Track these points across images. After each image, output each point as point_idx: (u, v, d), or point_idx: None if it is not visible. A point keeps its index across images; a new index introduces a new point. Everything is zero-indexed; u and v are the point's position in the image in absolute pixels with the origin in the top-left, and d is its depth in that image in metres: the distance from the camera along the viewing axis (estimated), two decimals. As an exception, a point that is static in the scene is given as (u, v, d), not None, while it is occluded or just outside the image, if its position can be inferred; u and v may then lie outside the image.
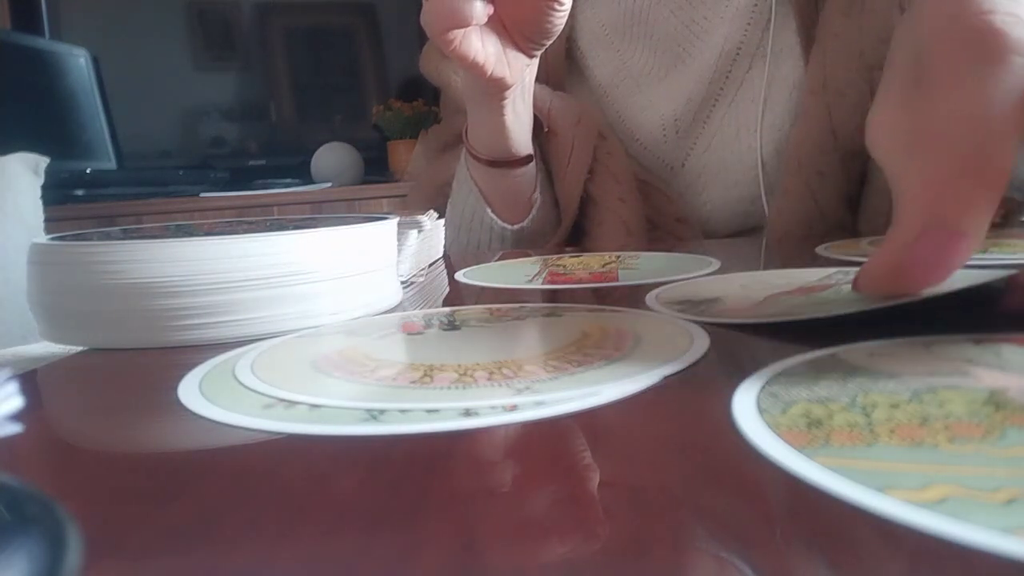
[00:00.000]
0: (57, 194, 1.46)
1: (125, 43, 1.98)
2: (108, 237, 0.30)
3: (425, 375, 0.21)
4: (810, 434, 0.15)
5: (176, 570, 0.12)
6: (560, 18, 0.47)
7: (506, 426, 0.17)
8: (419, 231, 0.43)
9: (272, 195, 1.76)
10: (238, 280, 0.28)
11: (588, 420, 0.18)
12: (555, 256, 0.49)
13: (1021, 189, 0.46)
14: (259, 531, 0.13)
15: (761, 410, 0.17)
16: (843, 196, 0.57)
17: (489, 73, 0.47)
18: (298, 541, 0.12)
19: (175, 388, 0.22)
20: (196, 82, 2.07)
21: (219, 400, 0.20)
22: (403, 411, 0.18)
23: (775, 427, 0.16)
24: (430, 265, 0.49)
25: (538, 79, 0.55)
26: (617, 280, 0.38)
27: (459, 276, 0.43)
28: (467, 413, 0.18)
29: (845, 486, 0.13)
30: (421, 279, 0.43)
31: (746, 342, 0.24)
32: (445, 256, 0.54)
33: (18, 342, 0.31)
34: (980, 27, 0.20)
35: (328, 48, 2.19)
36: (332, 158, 1.90)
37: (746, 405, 0.17)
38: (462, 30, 0.44)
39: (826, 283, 0.31)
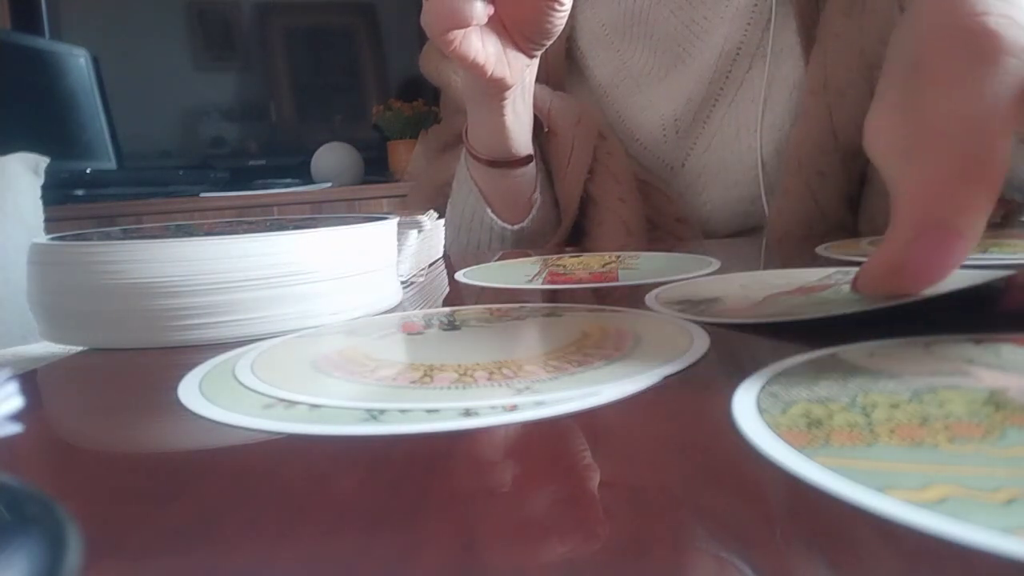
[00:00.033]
0: (57, 194, 1.46)
1: (125, 43, 1.98)
2: (108, 237, 0.30)
3: (425, 375, 0.21)
4: (810, 434, 0.15)
5: (176, 570, 0.12)
6: (560, 18, 0.47)
7: (506, 426, 0.17)
8: (419, 231, 0.43)
9: (272, 195, 1.76)
10: (238, 280, 0.28)
11: (588, 420, 0.18)
12: (555, 256, 0.49)
13: (1021, 189, 0.46)
14: (259, 531, 0.13)
15: (761, 410, 0.17)
16: (843, 196, 0.57)
17: (489, 73, 0.47)
18: (298, 541, 0.12)
19: (175, 388, 0.22)
20: (196, 82, 2.07)
21: (219, 400, 0.20)
22: (403, 411, 0.18)
23: (775, 427, 0.16)
24: (430, 265, 0.49)
25: (538, 79, 0.55)
26: (617, 280, 0.38)
27: (459, 276, 0.43)
28: (467, 413, 0.18)
29: (845, 486, 0.13)
30: (421, 279, 0.43)
31: (746, 342, 0.24)
32: (445, 256, 0.54)
33: (18, 342, 0.31)
34: (974, 28, 0.20)
35: (328, 48, 2.19)
36: (332, 158, 1.90)
37: (746, 405, 0.17)
38: (462, 30, 0.44)
39: (826, 283, 0.31)
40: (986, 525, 0.11)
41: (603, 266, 0.42)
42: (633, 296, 0.33)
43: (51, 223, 1.20)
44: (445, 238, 0.54)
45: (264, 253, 0.28)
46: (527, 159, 0.57)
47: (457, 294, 0.39)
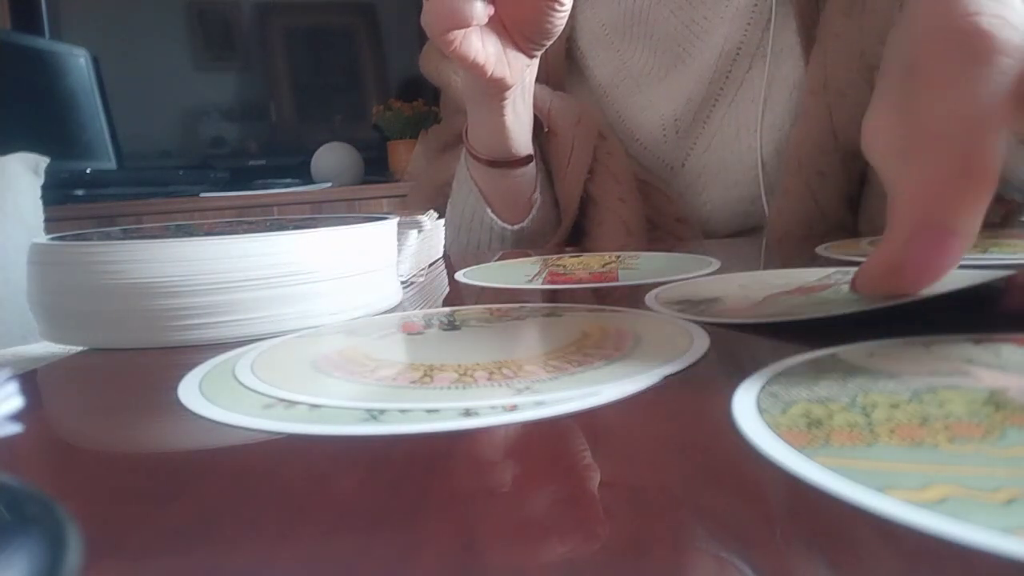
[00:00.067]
0: (57, 194, 1.46)
1: (125, 43, 1.98)
2: (108, 237, 0.30)
3: (425, 375, 0.21)
4: (810, 434, 0.15)
5: (176, 570, 0.12)
6: (560, 18, 0.47)
7: (506, 426, 0.17)
8: (419, 231, 0.43)
9: (272, 195, 1.76)
10: (238, 280, 0.28)
11: (588, 420, 0.18)
12: (555, 256, 0.49)
13: (1021, 189, 0.46)
14: (259, 531, 0.13)
15: (761, 410, 0.17)
16: (843, 196, 0.57)
17: (489, 73, 0.47)
18: (298, 541, 0.12)
19: (175, 388, 0.22)
20: (196, 82, 2.07)
21: (219, 400, 0.20)
22: (403, 411, 0.18)
23: (775, 427, 0.16)
24: (430, 265, 0.49)
25: (538, 79, 0.55)
26: (617, 280, 0.38)
27: (459, 276, 0.43)
28: (467, 413, 0.18)
29: (845, 486, 0.13)
30: (421, 279, 0.43)
31: (746, 342, 0.24)
32: (445, 256, 0.54)
33: (18, 342, 0.31)
34: (967, 29, 0.21)
35: (328, 48, 2.19)
36: (332, 158, 1.90)
37: (746, 405, 0.17)
38: (462, 31, 0.44)
39: (825, 283, 0.31)
40: (986, 525, 0.11)
41: (603, 266, 0.42)
42: (633, 296, 0.33)
43: (51, 223, 1.20)
44: (445, 238, 0.54)
45: (264, 253, 0.28)
46: (527, 159, 0.57)
47: (457, 294, 0.39)
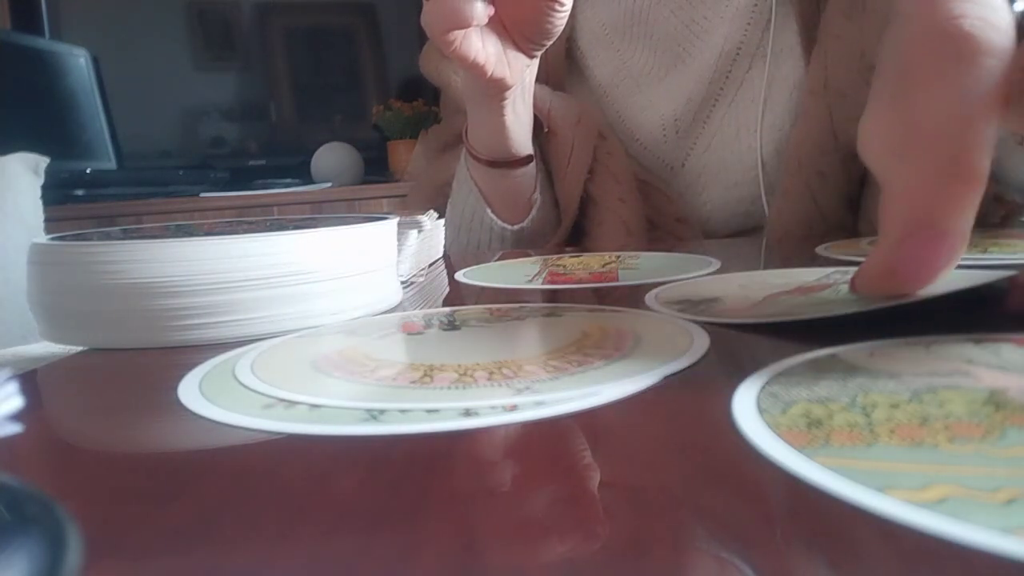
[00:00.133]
0: (57, 194, 1.46)
1: (125, 43, 1.98)
2: (108, 237, 0.30)
3: (425, 375, 0.21)
4: (810, 434, 0.15)
5: (176, 570, 0.12)
6: (560, 19, 0.47)
7: (506, 426, 0.17)
8: (419, 231, 0.43)
9: (272, 195, 1.76)
10: (238, 280, 0.28)
11: (588, 420, 0.18)
12: (555, 256, 0.49)
13: (1021, 190, 0.46)
14: (259, 531, 0.13)
15: (761, 410, 0.17)
16: (843, 197, 0.57)
17: (489, 74, 0.47)
18: (298, 541, 0.12)
19: (175, 388, 0.22)
20: (196, 82, 2.07)
21: (219, 400, 0.20)
22: (403, 411, 0.18)
23: (775, 427, 0.16)
24: (430, 265, 0.49)
25: (538, 79, 0.55)
26: (617, 280, 0.38)
27: (459, 276, 0.43)
28: (467, 413, 0.18)
29: (845, 486, 0.13)
30: (421, 279, 0.43)
31: (746, 342, 0.24)
32: (445, 256, 0.54)
33: (18, 342, 0.31)
34: (951, 31, 0.21)
35: (328, 48, 2.19)
36: (332, 158, 1.90)
37: (746, 405, 0.17)
38: (462, 31, 0.44)
39: (825, 283, 0.31)
40: (986, 525, 0.11)
41: (603, 266, 0.42)
42: (633, 296, 0.33)
43: (51, 223, 1.20)
44: (445, 238, 0.54)
45: (264, 253, 0.28)
46: (527, 159, 0.57)
47: (457, 294, 0.39)
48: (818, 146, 0.56)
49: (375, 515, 0.13)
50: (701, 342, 0.23)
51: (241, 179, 1.87)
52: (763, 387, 0.18)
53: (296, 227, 0.31)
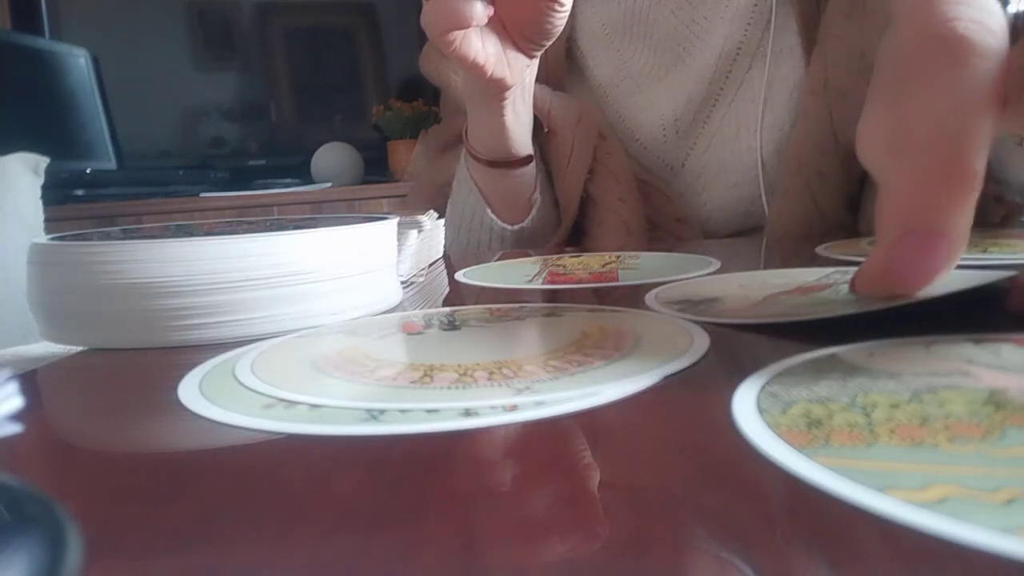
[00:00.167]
0: (57, 194, 1.46)
1: (125, 43, 1.98)
2: (108, 237, 0.30)
3: (425, 375, 0.21)
4: (810, 434, 0.15)
5: (176, 570, 0.12)
6: (560, 19, 0.47)
7: (506, 426, 0.17)
8: (419, 231, 0.43)
9: (272, 195, 1.76)
10: (238, 280, 0.28)
11: (588, 420, 0.18)
12: (555, 256, 0.49)
13: (1021, 191, 0.46)
14: (259, 531, 0.13)
15: (761, 410, 0.17)
16: (843, 197, 0.57)
17: (489, 74, 0.47)
18: (298, 541, 0.12)
19: (175, 388, 0.22)
20: (196, 82, 2.07)
21: (219, 400, 0.20)
22: (403, 411, 0.18)
23: (775, 427, 0.16)
24: (430, 265, 0.49)
25: (538, 79, 0.55)
26: (617, 280, 0.38)
27: (459, 276, 0.43)
28: (467, 413, 0.18)
29: (845, 486, 0.13)
30: (421, 279, 0.43)
31: (746, 342, 0.24)
32: (445, 256, 0.54)
33: (18, 342, 0.31)
34: (945, 34, 0.21)
35: (328, 48, 2.19)
36: (332, 158, 1.90)
37: (746, 405, 0.17)
38: (462, 31, 0.44)
39: (825, 283, 0.31)
40: (986, 525, 0.11)
41: (603, 266, 0.42)
42: (633, 296, 0.33)
43: (51, 223, 1.20)
44: (445, 238, 0.54)
45: (264, 253, 0.28)
46: (527, 159, 0.57)
47: (457, 294, 0.39)
48: (818, 146, 0.56)
49: (375, 515, 0.13)
50: (701, 342, 0.23)
51: (241, 179, 1.87)
52: (763, 387, 0.18)
53: (296, 227, 0.31)
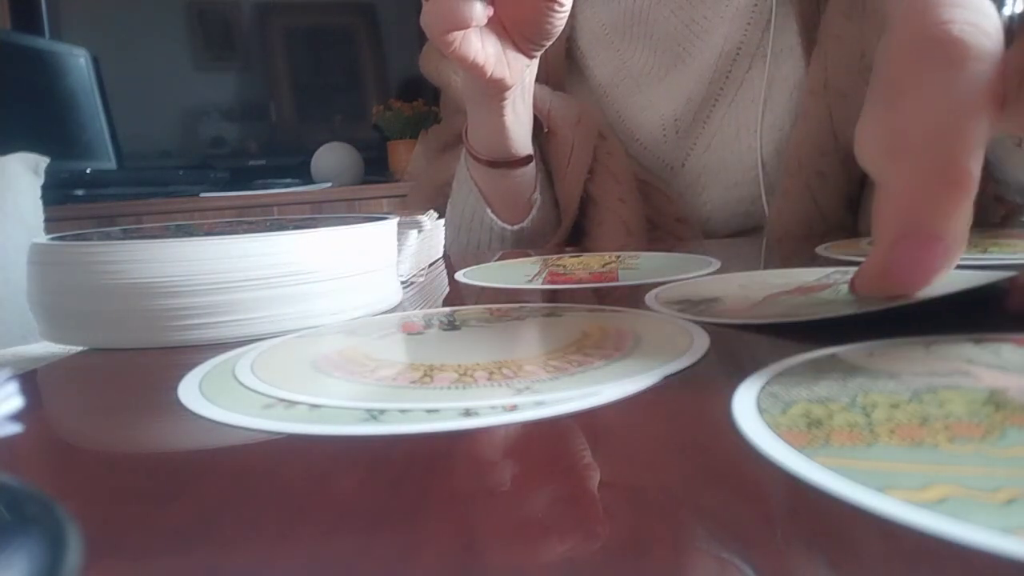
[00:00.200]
0: (57, 194, 1.46)
1: (125, 43, 1.98)
2: (108, 237, 0.30)
3: (425, 375, 0.21)
4: (810, 434, 0.15)
5: (176, 570, 0.12)
6: (560, 19, 0.47)
7: (506, 426, 0.17)
8: (419, 231, 0.43)
9: (272, 195, 1.76)
10: (238, 280, 0.28)
11: (588, 420, 0.18)
12: (555, 256, 0.49)
13: (1021, 191, 0.46)
14: (259, 531, 0.13)
15: (761, 410, 0.17)
16: (843, 197, 0.57)
17: (489, 74, 0.47)
18: (298, 541, 0.12)
19: (175, 388, 0.22)
20: (196, 82, 2.07)
21: (219, 400, 0.20)
22: (403, 411, 0.18)
23: (775, 427, 0.16)
24: (430, 265, 0.49)
25: (538, 79, 0.55)
26: (617, 280, 0.38)
27: (459, 276, 0.43)
28: (467, 413, 0.18)
29: (845, 486, 0.13)
30: (421, 279, 0.43)
31: (746, 342, 0.24)
32: (445, 256, 0.54)
33: (18, 342, 0.31)
34: (940, 37, 0.21)
35: (328, 48, 2.19)
36: (332, 158, 1.90)
37: (746, 405, 0.17)
38: (462, 31, 0.44)
39: (825, 283, 0.31)
40: (986, 525, 0.11)
41: (603, 266, 0.42)
42: (633, 296, 0.33)
43: (51, 223, 1.20)
44: (445, 238, 0.54)
45: (264, 253, 0.28)
46: (527, 159, 0.57)
47: (457, 294, 0.39)
48: (818, 146, 0.56)
49: (375, 515, 0.13)
50: (701, 342, 0.23)
51: (241, 179, 1.87)
52: (763, 387, 0.18)
53: (296, 227, 0.31)
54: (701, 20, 0.61)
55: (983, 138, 0.21)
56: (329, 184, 1.85)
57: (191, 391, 0.21)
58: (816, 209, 0.57)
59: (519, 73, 0.49)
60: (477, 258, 0.51)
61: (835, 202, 0.57)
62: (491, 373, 0.21)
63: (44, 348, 0.30)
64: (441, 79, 0.69)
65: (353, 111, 2.17)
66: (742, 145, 0.63)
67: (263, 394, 0.20)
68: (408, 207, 0.73)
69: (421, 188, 0.72)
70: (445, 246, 0.54)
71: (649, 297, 0.32)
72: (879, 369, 0.19)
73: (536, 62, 0.52)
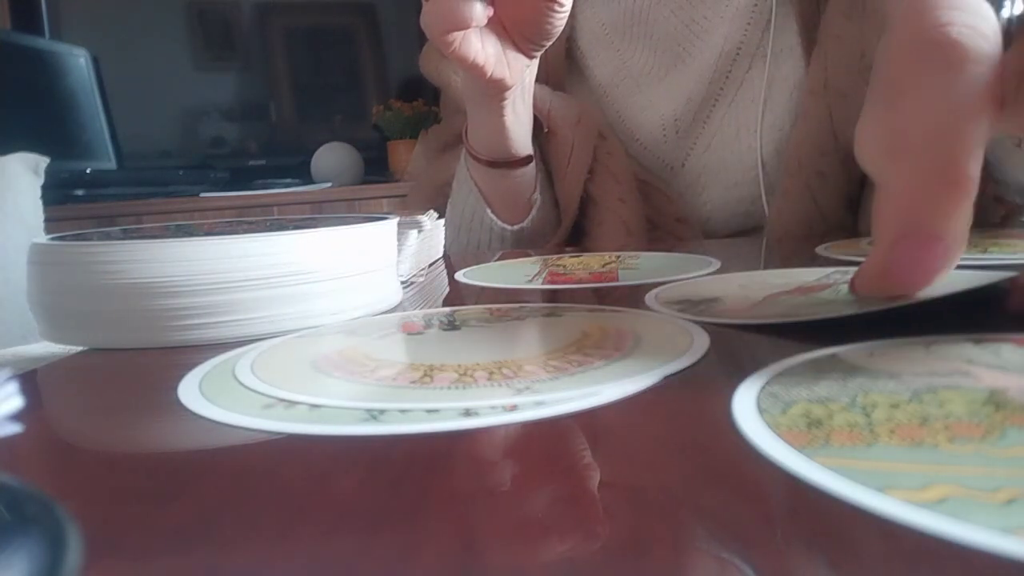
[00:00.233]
0: (57, 194, 1.46)
1: (125, 43, 1.98)
2: (108, 237, 0.30)
3: (425, 375, 0.21)
4: (810, 434, 0.15)
5: (176, 570, 0.12)
6: (560, 19, 0.47)
7: (506, 426, 0.17)
8: (419, 231, 0.43)
9: (272, 195, 1.76)
10: (238, 280, 0.28)
11: (588, 420, 0.18)
12: (555, 256, 0.49)
13: (1021, 192, 0.46)
14: (259, 531, 0.13)
15: (761, 410, 0.17)
16: (843, 197, 0.57)
17: (489, 74, 0.47)
18: (298, 541, 0.12)
19: (175, 388, 0.22)
20: (196, 82, 2.07)
21: (219, 400, 0.20)
22: (403, 411, 0.18)
23: (775, 427, 0.16)
24: (430, 265, 0.49)
25: (538, 79, 0.55)
26: (617, 280, 0.38)
27: (459, 276, 0.43)
28: (467, 413, 0.18)
29: (845, 486, 0.13)
30: (421, 279, 0.43)
31: (746, 342, 0.24)
32: (445, 256, 0.54)
33: (18, 342, 0.31)
34: (939, 39, 0.21)
35: (328, 48, 2.19)
36: (332, 158, 1.90)
37: (746, 405, 0.17)
38: (462, 32, 0.44)
39: (825, 283, 0.31)
40: (986, 525, 0.11)
41: (603, 266, 0.42)
42: (633, 296, 0.33)
43: (51, 223, 1.20)
44: (445, 238, 0.54)
45: (264, 253, 0.28)
46: (527, 159, 0.57)
47: (457, 294, 0.39)
48: (818, 146, 0.56)
49: (375, 515, 0.13)
50: (701, 342, 0.23)
51: (241, 179, 1.87)
52: (763, 387, 0.18)
53: (296, 227, 0.31)
54: (701, 20, 0.61)
55: (982, 139, 0.21)
56: (329, 184, 1.85)
57: (191, 391, 0.21)
58: (816, 209, 0.57)
59: (519, 73, 0.49)
60: (477, 258, 0.51)
61: (835, 202, 0.57)
62: (491, 373, 0.21)
63: (44, 348, 0.30)
64: (441, 79, 0.69)
65: (353, 111, 2.17)
66: (742, 145, 0.63)
67: (263, 394, 0.20)
68: (408, 207, 0.73)
69: (421, 188, 0.72)
70: (445, 246, 0.54)
71: (649, 297, 0.32)
72: (879, 369, 0.19)
73: (536, 62, 0.52)
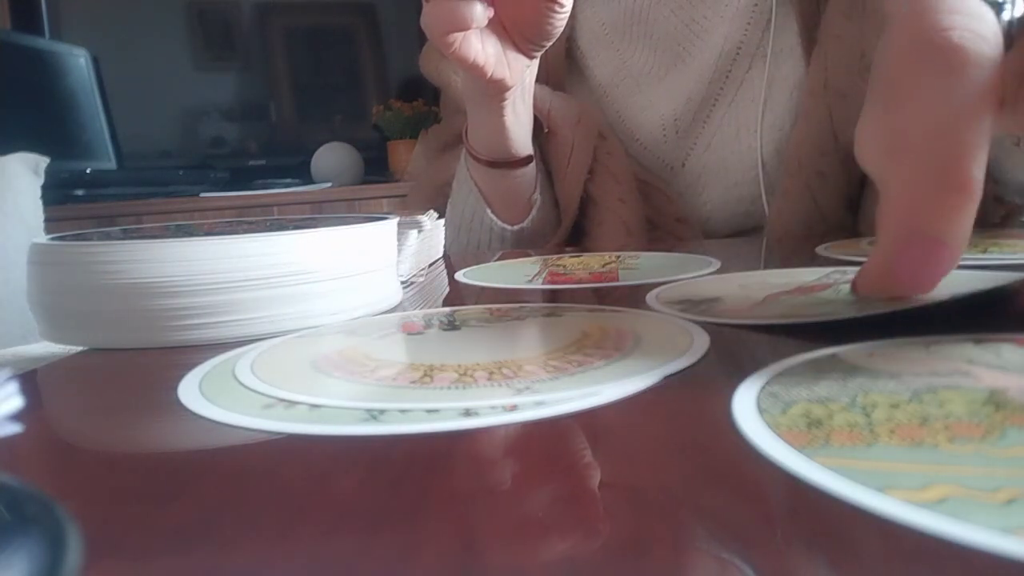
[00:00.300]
0: (57, 194, 1.46)
1: (125, 43, 1.98)
2: (108, 237, 0.30)
3: (425, 375, 0.21)
4: (810, 434, 0.15)
5: (176, 570, 0.12)
6: (560, 20, 0.47)
7: (506, 426, 0.17)
8: (419, 231, 0.43)
9: (272, 195, 1.76)
10: (238, 280, 0.28)
11: (588, 420, 0.18)
12: (555, 256, 0.49)
13: (1021, 192, 0.46)
14: (259, 531, 0.13)
15: (761, 410, 0.17)
16: (843, 197, 0.57)
17: (489, 75, 0.47)
18: (298, 541, 0.12)
19: (175, 388, 0.22)
20: (196, 82, 2.07)
21: (219, 400, 0.20)
22: (403, 411, 0.18)
23: (775, 427, 0.16)
24: (430, 265, 0.49)
25: (538, 79, 0.55)
26: (617, 280, 0.38)
27: (459, 276, 0.43)
28: (467, 413, 0.18)
29: (845, 486, 0.13)
30: (421, 279, 0.43)
31: (746, 342, 0.24)
32: (445, 256, 0.54)
33: (18, 342, 0.31)
34: (940, 44, 0.21)
35: (328, 48, 2.19)
36: (332, 158, 1.90)
37: (746, 405, 0.17)
38: (462, 32, 0.44)
39: (825, 283, 0.31)
40: (986, 525, 0.11)
41: (603, 266, 0.42)
42: (633, 296, 0.33)
43: (51, 223, 1.20)
44: (445, 238, 0.54)
45: (264, 253, 0.28)
46: (527, 159, 0.57)
47: (457, 294, 0.39)
48: (818, 146, 0.56)
49: (375, 515, 0.13)
50: (701, 342, 0.23)
51: (241, 179, 1.87)
52: (763, 387, 0.18)
53: (296, 227, 0.31)
54: (701, 20, 0.61)
55: (985, 141, 0.21)
56: (329, 184, 1.85)
57: (191, 391, 0.21)
58: (816, 209, 0.57)
59: (519, 73, 0.49)
60: (477, 258, 0.51)
61: (835, 202, 0.57)
62: (491, 373, 0.21)
63: (44, 348, 0.30)
64: (441, 79, 0.69)
65: (353, 111, 2.17)
66: (742, 145, 0.63)
67: (263, 394, 0.20)
68: (408, 207, 0.73)
69: (421, 188, 0.72)
70: (445, 246, 0.54)
71: (649, 297, 0.32)
72: (879, 369, 0.19)
73: (536, 62, 0.52)
